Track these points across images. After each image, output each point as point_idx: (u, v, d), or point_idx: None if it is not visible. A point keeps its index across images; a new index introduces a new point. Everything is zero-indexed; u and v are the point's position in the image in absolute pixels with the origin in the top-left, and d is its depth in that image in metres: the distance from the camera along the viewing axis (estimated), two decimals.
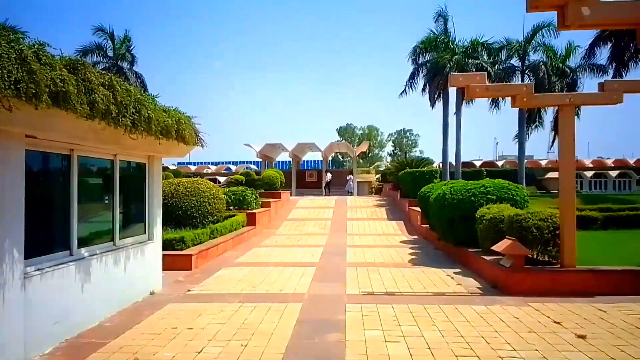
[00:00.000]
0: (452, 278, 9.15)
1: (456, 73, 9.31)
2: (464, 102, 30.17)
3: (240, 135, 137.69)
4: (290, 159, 49.25)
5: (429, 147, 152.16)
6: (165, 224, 13.14)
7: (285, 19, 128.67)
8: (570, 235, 7.87)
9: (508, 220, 8.58)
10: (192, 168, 67.46)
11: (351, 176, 40.84)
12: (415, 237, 16.43)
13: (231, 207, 18.18)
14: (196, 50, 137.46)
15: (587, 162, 57.65)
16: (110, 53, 32.87)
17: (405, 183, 21.98)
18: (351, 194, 36.59)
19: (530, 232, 8.12)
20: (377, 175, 54.45)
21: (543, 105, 11.48)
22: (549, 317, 6.41)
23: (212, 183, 14.69)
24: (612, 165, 54.25)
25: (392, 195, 26.22)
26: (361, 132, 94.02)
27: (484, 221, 9.48)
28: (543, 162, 60.83)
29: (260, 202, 20.15)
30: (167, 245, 10.63)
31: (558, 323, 6.13)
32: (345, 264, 11.00)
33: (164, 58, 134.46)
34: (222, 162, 73.63)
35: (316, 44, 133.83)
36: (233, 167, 61.40)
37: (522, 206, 10.48)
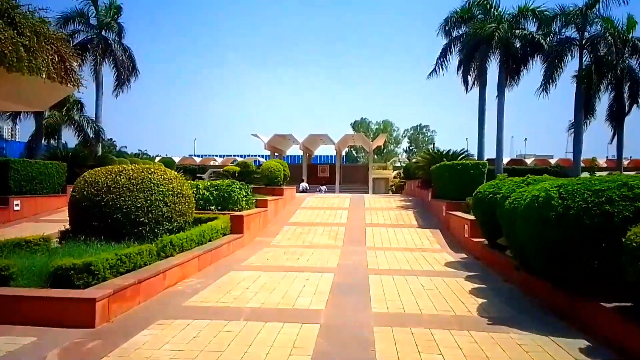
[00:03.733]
0: None
1: None
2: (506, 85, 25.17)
3: (251, 129, 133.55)
4: (302, 153, 44.91)
5: (447, 145, 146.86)
6: (95, 233, 8.73)
7: (299, 12, 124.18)
8: None
9: None
10: (197, 160, 63.63)
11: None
12: (464, 255, 11.68)
13: (212, 208, 13.64)
14: (208, 42, 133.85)
15: (601, 162, 51.88)
16: (93, 21, 28.32)
17: (441, 180, 17.17)
18: None
19: None
20: (395, 172, 49.69)
21: None
22: None
23: (175, 172, 10.13)
24: (627, 165, 48.83)
25: (420, 195, 21.43)
26: (377, 127, 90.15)
27: None
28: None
29: (254, 201, 15.53)
30: (60, 278, 6.12)
31: None
32: (371, 315, 6.33)
33: (174, 47, 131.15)
34: (230, 155, 69.66)
35: (330, 37, 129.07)
36: (240, 160, 57.14)
37: None
